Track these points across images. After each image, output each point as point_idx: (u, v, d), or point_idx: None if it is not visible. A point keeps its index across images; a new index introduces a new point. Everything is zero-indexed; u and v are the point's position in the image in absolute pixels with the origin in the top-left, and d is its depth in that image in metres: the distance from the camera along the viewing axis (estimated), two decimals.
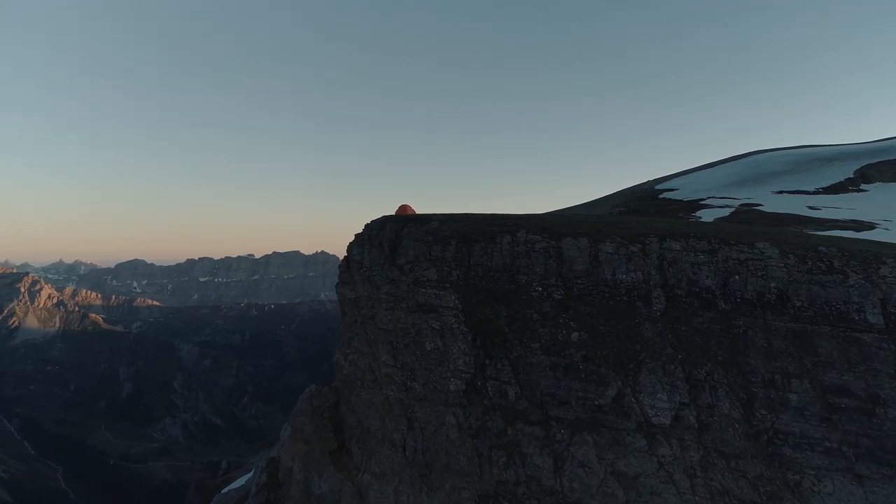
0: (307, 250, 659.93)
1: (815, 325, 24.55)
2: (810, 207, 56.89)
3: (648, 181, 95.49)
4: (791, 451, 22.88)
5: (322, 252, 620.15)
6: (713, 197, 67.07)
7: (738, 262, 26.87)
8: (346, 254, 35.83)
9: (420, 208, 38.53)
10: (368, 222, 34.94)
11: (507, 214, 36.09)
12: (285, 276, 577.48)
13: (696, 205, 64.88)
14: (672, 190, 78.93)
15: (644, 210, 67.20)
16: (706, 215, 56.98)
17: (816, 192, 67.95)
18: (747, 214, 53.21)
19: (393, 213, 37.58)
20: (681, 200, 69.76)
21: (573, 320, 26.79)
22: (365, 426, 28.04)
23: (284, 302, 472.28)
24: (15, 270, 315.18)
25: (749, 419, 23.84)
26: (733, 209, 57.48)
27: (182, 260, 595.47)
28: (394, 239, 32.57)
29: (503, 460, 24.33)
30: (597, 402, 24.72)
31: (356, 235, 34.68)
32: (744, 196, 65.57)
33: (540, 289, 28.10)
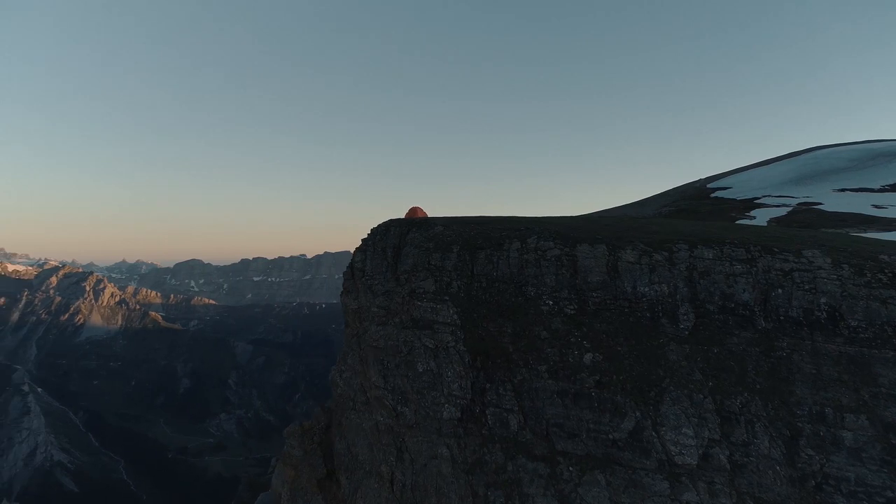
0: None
1: (875, 349, 20.56)
2: (875, 206, 51.07)
3: (700, 179, 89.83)
4: (844, 500, 19.08)
5: None
6: (769, 196, 61.67)
7: (781, 273, 23.01)
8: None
9: (458, 210, 35.94)
10: (375, 226, 32.61)
11: (523, 217, 33.00)
12: (336, 276, 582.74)
13: (750, 204, 59.77)
14: (725, 188, 73.64)
15: (694, 210, 62.55)
16: (761, 215, 52.12)
17: (883, 190, 61.43)
18: (805, 214, 48.13)
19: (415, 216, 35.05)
20: (734, 199, 64.64)
21: (587, 339, 23.54)
22: (353, 454, 25.63)
23: (335, 301, 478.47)
24: (81, 270, 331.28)
25: (792, 460, 20.11)
26: (790, 208, 52.32)
27: (237, 260, 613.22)
28: (397, 245, 30.02)
29: (501, 501, 21.37)
30: (611, 436, 21.45)
31: (362, 241, 32.39)
32: (802, 195, 59.92)
33: (550, 302, 24.93)
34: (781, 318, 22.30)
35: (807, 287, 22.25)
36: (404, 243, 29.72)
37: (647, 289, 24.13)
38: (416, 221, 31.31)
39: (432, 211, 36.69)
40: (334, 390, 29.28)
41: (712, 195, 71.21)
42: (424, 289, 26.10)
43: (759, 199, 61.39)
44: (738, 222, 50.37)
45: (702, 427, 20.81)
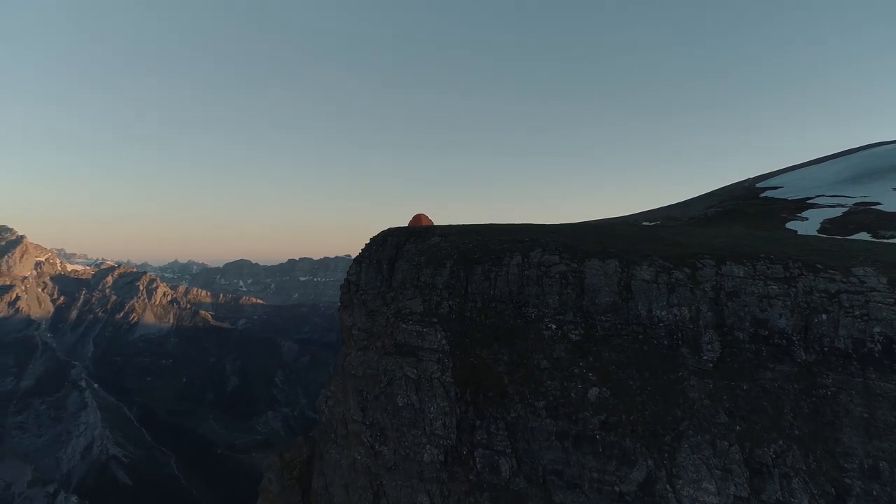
0: None
1: None
2: None
3: (748, 179, 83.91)
4: None
5: None
6: (823, 195, 56.23)
7: (826, 295, 19.33)
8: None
9: (491, 214, 33.20)
10: (374, 236, 30.16)
11: (532, 226, 29.87)
12: None
13: (802, 204, 54.58)
14: (776, 188, 68.11)
15: (741, 210, 57.73)
16: (814, 216, 47.23)
17: None
18: (863, 215, 43.10)
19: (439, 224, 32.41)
20: (785, 199, 59.38)
21: (592, 371, 20.38)
22: (330, 494, 23.16)
23: None
24: (135, 270, 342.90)
25: None
26: (846, 209, 47.16)
27: (284, 260, 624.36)
28: (393, 257, 27.44)
29: None
30: (617, 488, 18.30)
31: (361, 251, 29.97)
32: (859, 194, 54.29)
33: (553, 326, 21.83)
34: (825, 349, 18.67)
35: (857, 313, 18.53)
36: (400, 255, 27.16)
37: (664, 312, 20.78)
38: (415, 231, 28.66)
39: (458, 216, 33.96)
40: (320, 418, 26.98)
41: (762, 195, 65.92)
42: (411, 309, 23.37)
43: (811, 199, 56.02)
44: (788, 225, 45.71)
45: (726, 481, 17.46)
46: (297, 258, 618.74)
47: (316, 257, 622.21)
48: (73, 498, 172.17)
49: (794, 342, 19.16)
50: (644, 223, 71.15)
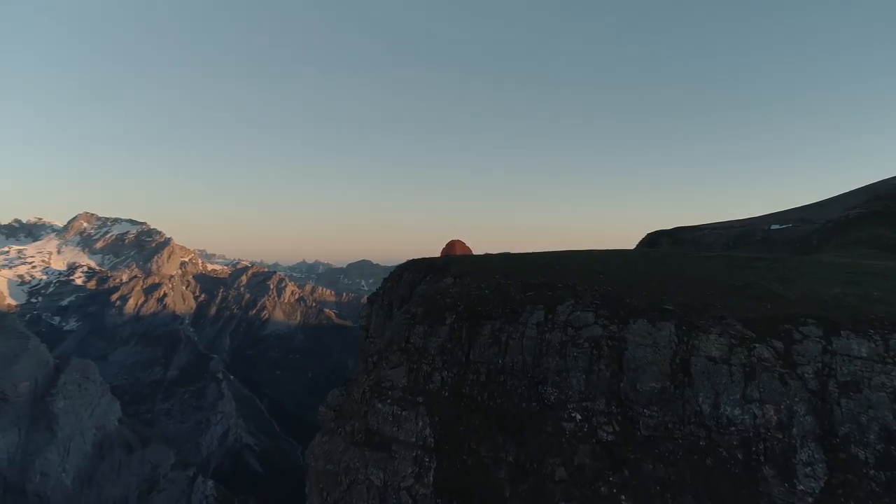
0: (519, 251, 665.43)
1: None
2: None
3: None
4: None
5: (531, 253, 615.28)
6: None
7: None
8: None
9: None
10: (394, 269, 25.44)
11: (588, 253, 23.50)
12: None
13: None
14: None
15: (889, 212, 46.17)
16: None
17: None
18: None
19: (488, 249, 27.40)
20: None
21: (627, 491, 14.13)
22: None
23: None
24: (266, 269, 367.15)
25: None
26: None
27: (403, 260, 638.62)
28: (406, 298, 22.51)
29: None
30: None
31: (378, 289, 25.36)
32: None
33: (578, 417, 15.72)
34: None
35: None
36: (412, 297, 22.16)
37: (739, 410, 13.96)
38: (435, 266, 23.48)
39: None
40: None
41: None
42: (393, 382, 18.14)
43: None
44: None
45: None
46: (417, 258, 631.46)
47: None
48: (210, 482, 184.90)
49: None
50: (773, 226, 60.16)
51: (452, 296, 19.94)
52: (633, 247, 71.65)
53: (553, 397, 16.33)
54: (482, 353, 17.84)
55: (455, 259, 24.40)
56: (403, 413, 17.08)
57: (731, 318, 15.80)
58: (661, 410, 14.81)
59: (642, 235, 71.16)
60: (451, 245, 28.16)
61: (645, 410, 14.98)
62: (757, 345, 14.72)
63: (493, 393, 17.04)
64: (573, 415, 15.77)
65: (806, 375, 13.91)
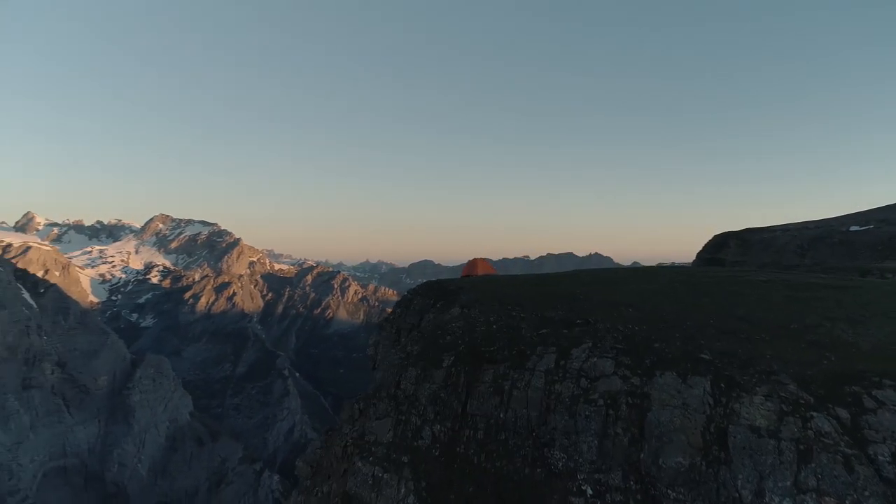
0: (581, 252, 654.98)
1: None
2: None
3: None
4: None
5: (596, 254, 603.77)
6: None
7: None
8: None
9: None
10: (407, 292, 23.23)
11: (617, 274, 20.45)
12: None
13: None
14: None
15: None
16: None
17: None
18: None
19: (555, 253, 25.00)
20: None
21: None
22: None
23: None
24: (331, 269, 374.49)
25: None
26: None
27: (465, 260, 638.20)
28: (416, 328, 20.25)
29: None
30: None
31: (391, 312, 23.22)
32: None
33: (589, 491, 12.89)
34: None
35: None
36: (420, 325, 19.87)
37: (789, 502, 10.93)
38: (447, 290, 21.08)
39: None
40: None
41: None
42: (377, 435, 15.77)
43: None
44: None
45: None
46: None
47: (495, 258, 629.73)
48: (276, 477, 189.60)
49: None
50: (853, 228, 54.28)
51: (455, 331, 17.44)
52: (700, 248, 66.75)
53: (561, 464, 13.63)
54: (481, 405, 15.27)
55: (470, 283, 21.92)
56: (385, 476, 14.69)
57: (782, 373, 12.65)
58: (689, 493, 11.88)
59: (710, 236, 66.29)
60: (474, 264, 25.72)
61: (670, 491, 12.07)
62: (815, 413, 11.57)
63: (492, 454, 14.47)
64: (583, 487, 13.04)
65: (880, 459, 10.69)
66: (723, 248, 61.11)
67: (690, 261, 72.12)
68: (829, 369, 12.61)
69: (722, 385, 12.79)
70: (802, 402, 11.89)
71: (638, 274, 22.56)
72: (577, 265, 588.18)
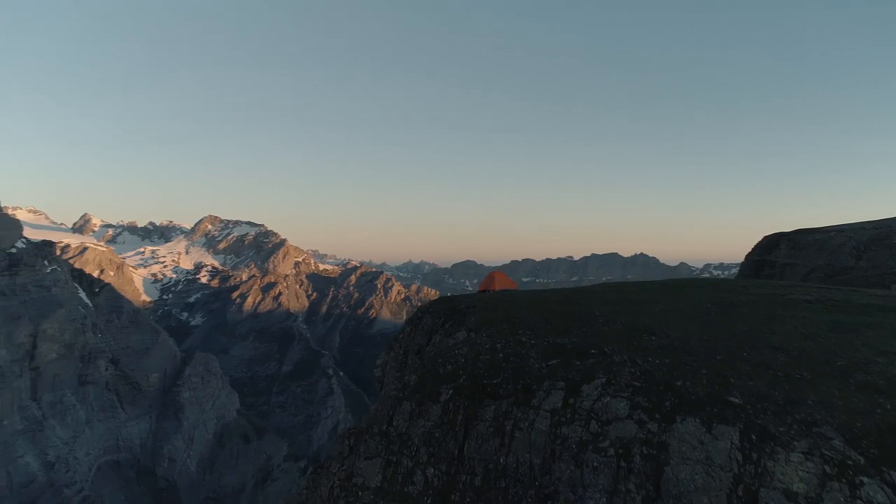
0: (626, 252, 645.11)
1: None
2: None
3: None
4: None
5: (641, 254, 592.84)
6: None
7: None
8: None
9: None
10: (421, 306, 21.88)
11: (646, 292, 18.51)
12: (603, 278, 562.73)
13: None
14: None
15: None
16: None
17: None
18: None
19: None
20: None
21: None
22: None
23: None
24: (374, 269, 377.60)
25: None
26: None
27: (507, 261, 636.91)
28: (423, 348, 18.87)
29: None
30: None
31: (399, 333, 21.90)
32: None
33: None
34: None
35: None
36: (428, 348, 18.47)
37: None
38: (457, 309, 19.57)
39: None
40: None
41: None
42: (365, 478, 14.36)
43: None
44: None
45: None
46: (520, 259, 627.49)
47: (538, 258, 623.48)
48: None
49: None
50: None
51: (457, 359, 15.89)
52: (749, 249, 63.14)
53: None
54: (480, 447, 13.69)
55: (482, 301, 20.33)
56: None
57: (826, 424, 10.68)
58: None
59: (760, 237, 62.63)
60: (491, 278, 24.13)
61: None
62: (865, 479, 9.60)
63: (491, 502, 12.97)
64: None
65: None
66: (773, 249, 57.55)
67: (739, 261, 68.84)
68: (884, 421, 10.58)
69: (753, 437, 10.91)
70: (850, 462, 9.94)
71: (668, 290, 20.53)
72: (621, 266, 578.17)
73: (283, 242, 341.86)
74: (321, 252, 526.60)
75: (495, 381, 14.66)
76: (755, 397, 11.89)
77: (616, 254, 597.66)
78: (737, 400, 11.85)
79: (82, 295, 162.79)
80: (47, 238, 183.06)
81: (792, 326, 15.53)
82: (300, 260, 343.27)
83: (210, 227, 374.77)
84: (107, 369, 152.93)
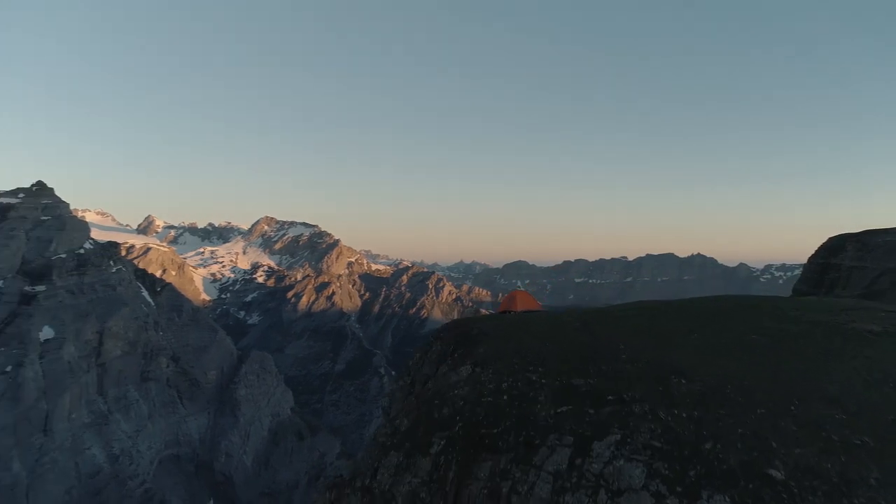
0: (682, 252, 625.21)
1: None
2: None
3: None
4: None
5: (698, 255, 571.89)
6: None
7: None
8: None
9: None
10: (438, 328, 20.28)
11: (688, 317, 16.27)
12: (658, 279, 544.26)
13: None
14: None
15: None
16: None
17: None
18: None
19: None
20: None
21: None
22: None
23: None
24: (425, 269, 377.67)
25: None
26: None
27: (559, 261, 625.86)
28: (430, 379, 17.28)
29: None
30: None
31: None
32: None
33: None
34: None
35: None
36: (434, 379, 16.86)
37: None
38: (468, 336, 17.84)
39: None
40: None
41: None
42: None
43: None
44: None
45: None
46: (573, 259, 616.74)
47: (591, 259, 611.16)
48: None
49: None
50: None
51: (456, 401, 14.07)
52: (813, 250, 58.68)
53: None
54: None
55: (495, 327, 18.44)
56: None
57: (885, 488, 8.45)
58: None
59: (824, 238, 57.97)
60: (512, 298, 22.16)
61: None
62: None
63: None
64: None
65: None
66: (838, 252, 53.11)
67: (802, 262, 64.45)
68: None
69: None
70: None
71: (708, 315, 18.15)
72: (677, 267, 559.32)
73: (336, 243, 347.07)
74: (374, 252, 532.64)
75: (495, 431, 12.81)
76: (801, 471, 9.66)
77: (672, 254, 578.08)
78: (779, 474, 9.65)
79: (145, 294, 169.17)
80: (113, 239, 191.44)
81: (851, 368, 13.03)
82: (353, 260, 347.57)
83: (266, 227, 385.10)
84: (167, 366, 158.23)
